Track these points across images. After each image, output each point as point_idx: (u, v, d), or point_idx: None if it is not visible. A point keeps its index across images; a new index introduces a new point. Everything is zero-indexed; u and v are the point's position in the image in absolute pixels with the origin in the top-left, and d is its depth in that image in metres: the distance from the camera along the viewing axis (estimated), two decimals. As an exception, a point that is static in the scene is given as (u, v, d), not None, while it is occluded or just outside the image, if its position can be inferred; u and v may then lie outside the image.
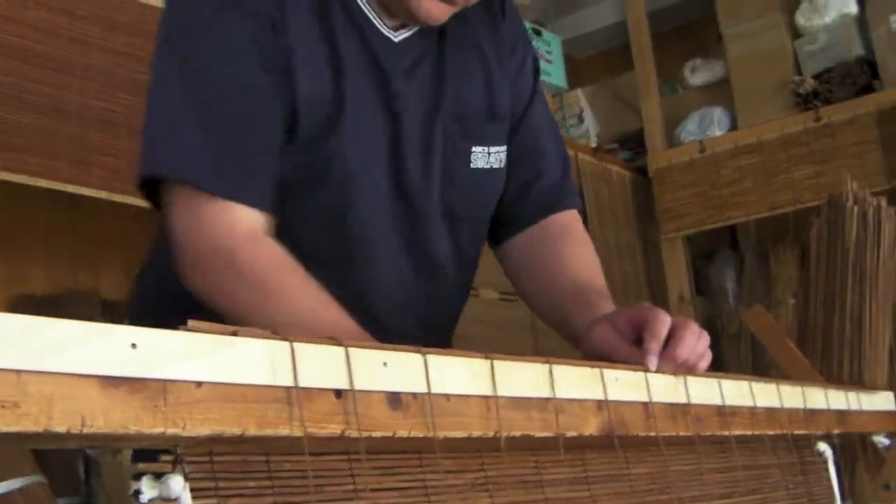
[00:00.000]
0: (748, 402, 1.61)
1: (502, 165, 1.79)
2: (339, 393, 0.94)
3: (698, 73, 5.69)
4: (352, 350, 0.96)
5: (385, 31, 1.66)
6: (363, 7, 1.65)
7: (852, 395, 1.96)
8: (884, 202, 2.41)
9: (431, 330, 1.74)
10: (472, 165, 1.75)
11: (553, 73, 5.56)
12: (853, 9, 5.16)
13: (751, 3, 5.38)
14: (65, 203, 3.45)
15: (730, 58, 5.45)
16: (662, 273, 5.52)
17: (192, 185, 1.47)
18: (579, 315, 1.67)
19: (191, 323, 0.85)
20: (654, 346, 1.45)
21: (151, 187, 1.53)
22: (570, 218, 1.89)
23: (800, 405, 1.76)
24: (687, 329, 1.48)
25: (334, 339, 0.95)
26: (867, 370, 2.30)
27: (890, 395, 2.18)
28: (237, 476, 0.94)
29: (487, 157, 1.76)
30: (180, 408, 0.82)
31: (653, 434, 1.37)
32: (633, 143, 5.84)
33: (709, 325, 5.50)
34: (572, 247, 1.83)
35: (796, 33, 5.31)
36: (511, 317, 4.45)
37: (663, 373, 1.44)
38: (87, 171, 3.16)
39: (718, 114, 5.43)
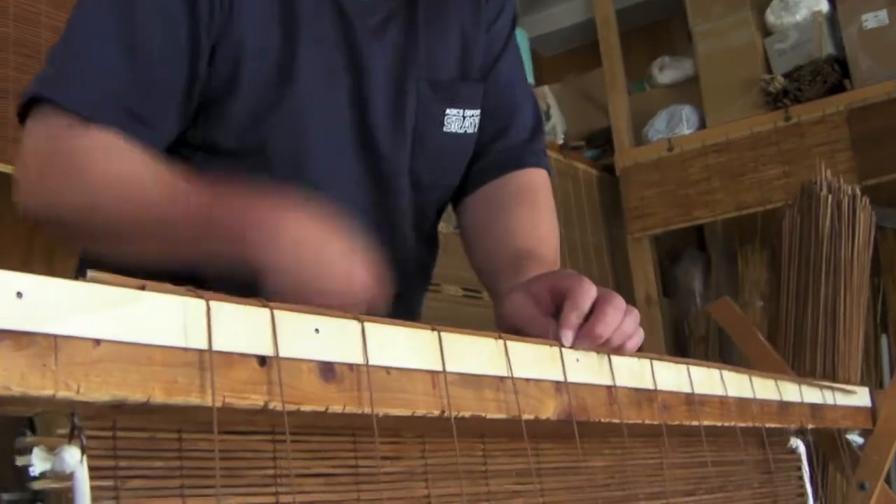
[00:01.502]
0: (719, 392, 1.51)
1: (475, 130, 1.68)
2: (262, 360, 0.83)
3: (666, 72, 5.62)
4: (279, 312, 0.85)
5: None
6: None
7: (827, 390, 1.87)
8: (858, 190, 2.33)
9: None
10: (444, 129, 1.64)
11: (519, 68, 5.47)
12: (824, 7, 5.09)
13: (720, 0, 5.30)
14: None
15: (699, 55, 5.37)
16: (629, 273, 5.43)
17: (58, 106, 1.35)
18: (506, 282, 1.53)
19: (91, 273, 0.74)
20: (574, 319, 1.27)
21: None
22: (534, 178, 1.76)
23: (773, 397, 1.66)
24: (609, 304, 1.29)
25: (259, 300, 0.84)
26: (841, 365, 2.21)
27: (865, 390, 2.09)
28: (142, 454, 0.83)
29: (462, 120, 1.66)
30: (74, 368, 0.71)
31: (616, 421, 1.26)
32: (600, 141, 5.76)
33: (676, 326, 5.42)
34: (526, 211, 1.70)
35: (766, 31, 5.23)
36: (474, 313, 4.34)
37: (584, 350, 1.26)
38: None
39: (687, 112, 5.35)
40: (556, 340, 1.24)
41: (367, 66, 1.54)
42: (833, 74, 4.97)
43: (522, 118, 1.78)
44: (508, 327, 1.35)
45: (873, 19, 4.90)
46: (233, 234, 1.20)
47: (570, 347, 1.24)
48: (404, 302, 1.63)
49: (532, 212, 1.70)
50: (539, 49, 6.20)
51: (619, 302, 1.31)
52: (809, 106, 4.95)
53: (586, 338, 1.26)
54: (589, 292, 1.30)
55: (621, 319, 1.30)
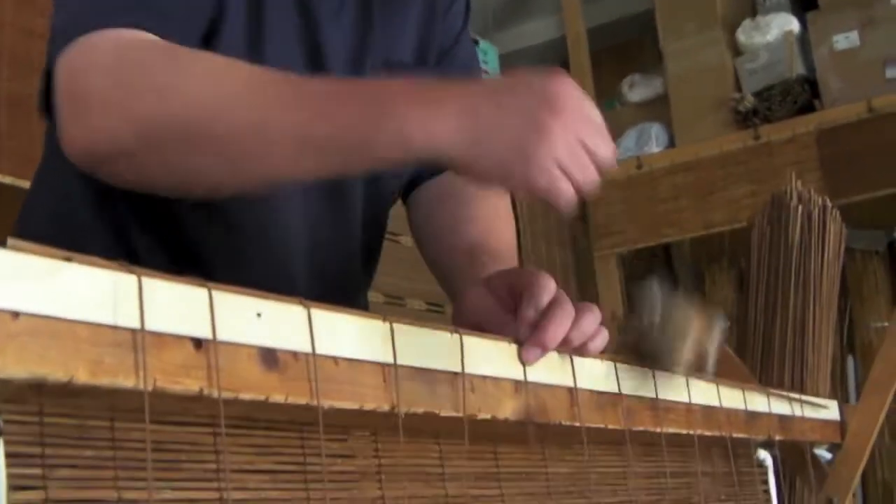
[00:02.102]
0: (684, 398, 1.46)
1: None
2: (198, 343, 0.78)
3: (636, 89, 5.58)
4: (217, 293, 0.80)
5: None
6: None
7: (795, 401, 1.83)
8: (829, 202, 2.29)
9: (334, 291, 1.48)
10: None
11: (489, 84, 5.42)
12: (795, 27, 5.07)
13: (691, 19, 5.28)
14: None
15: (669, 74, 5.34)
16: (595, 291, 5.39)
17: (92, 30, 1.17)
18: (463, 278, 1.49)
19: (11, 241, 0.69)
20: (531, 314, 1.21)
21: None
22: None
23: (740, 406, 1.62)
24: (558, 306, 1.23)
25: (196, 280, 0.79)
26: (809, 378, 2.17)
27: (834, 404, 2.05)
28: (72, 443, 0.77)
29: None
30: (-11, 342, 0.65)
31: (577, 425, 1.22)
32: (568, 159, 5.73)
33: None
34: (480, 201, 1.65)
35: (737, 51, 5.21)
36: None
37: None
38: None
39: (656, 130, 5.32)
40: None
41: (324, 47, 1.47)
42: (803, 95, 4.95)
43: None
44: (467, 324, 1.26)
45: (844, 40, 4.89)
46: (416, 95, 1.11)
47: (525, 363, 1.18)
48: (350, 286, 1.60)
49: (486, 202, 1.65)
50: (509, 66, 6.16)
51: (567, 303, 1.24)
52: (779, 126, 4.93)
53: (537, 346, 1.19)
54: (547, 288, 1.25)
55: (571, 320, 1.23)
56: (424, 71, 1.61)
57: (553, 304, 1.23)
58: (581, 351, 1.26)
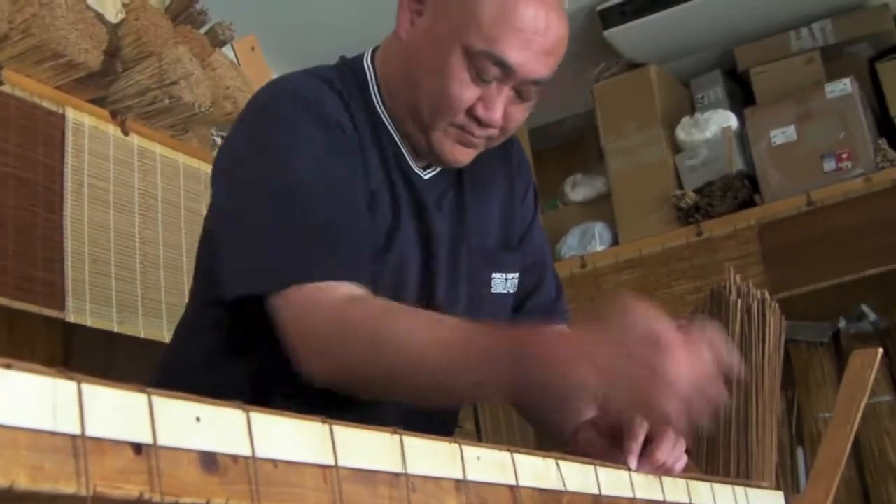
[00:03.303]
0: (627, 493, 1.47)
1: (514, 290, 1.97)
2: (138, 448, 0.79)
3: (579, 189, 5.62)
4: (156, 399, 0.81)
5: (416, 168, 1.84)
6: (400, 146, 1.83)
7: (740, 491, 1.84)
8: (767, 294, 2.32)
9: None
10: (493, 291, 1.92)
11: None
12: (734, 123, 5.14)
13: (632, 118, 5.33)
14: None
15: (611, 172, 5.38)
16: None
17: (290, 286, 1.56)
18: (566, 421, 1.81)
19: (-50, 353, 0.70)
20: (634, 447, 1.58)
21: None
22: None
23: (684, 500, 1.63)
24: (666, 437, 1.60)
25: (135, 386, 0.80)
26: (755, 471, 2.18)
27: (780, 495, 2.06)
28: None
29: (505, 282, 1.94)
30: (-72, 451, 0.66)
31: (520, 522, 1.22)
32: (513, 259, 5.74)
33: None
34: None
35: (677, 148, 5.27)
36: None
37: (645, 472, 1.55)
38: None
39: (599, 228, 5.35)
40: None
41: (433, 233, 1.81)
42: (743, 190, 5.01)
43: (549, 277, 2.09)
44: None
45: (781, 135, 4.96)
46: (551, 363, 1.39)
47: (636, 471, 1.55)
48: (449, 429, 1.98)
49: None
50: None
51: (672, 435, 1.62)
52: (721, 221, 4.98)
53: (649, 464, 1.59)
54: (643, 425, 1.60)
55: (673, 446, 1.62)
56: (507, 255, 1.97)
57: (660, 434, 1.60)
58: (668, 471, 1.62)
